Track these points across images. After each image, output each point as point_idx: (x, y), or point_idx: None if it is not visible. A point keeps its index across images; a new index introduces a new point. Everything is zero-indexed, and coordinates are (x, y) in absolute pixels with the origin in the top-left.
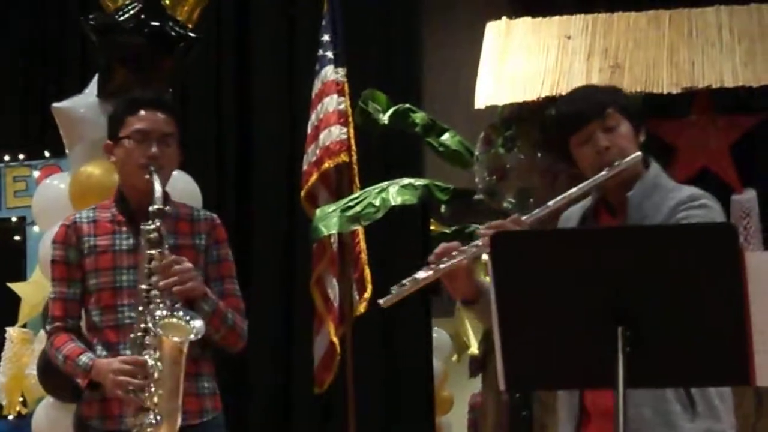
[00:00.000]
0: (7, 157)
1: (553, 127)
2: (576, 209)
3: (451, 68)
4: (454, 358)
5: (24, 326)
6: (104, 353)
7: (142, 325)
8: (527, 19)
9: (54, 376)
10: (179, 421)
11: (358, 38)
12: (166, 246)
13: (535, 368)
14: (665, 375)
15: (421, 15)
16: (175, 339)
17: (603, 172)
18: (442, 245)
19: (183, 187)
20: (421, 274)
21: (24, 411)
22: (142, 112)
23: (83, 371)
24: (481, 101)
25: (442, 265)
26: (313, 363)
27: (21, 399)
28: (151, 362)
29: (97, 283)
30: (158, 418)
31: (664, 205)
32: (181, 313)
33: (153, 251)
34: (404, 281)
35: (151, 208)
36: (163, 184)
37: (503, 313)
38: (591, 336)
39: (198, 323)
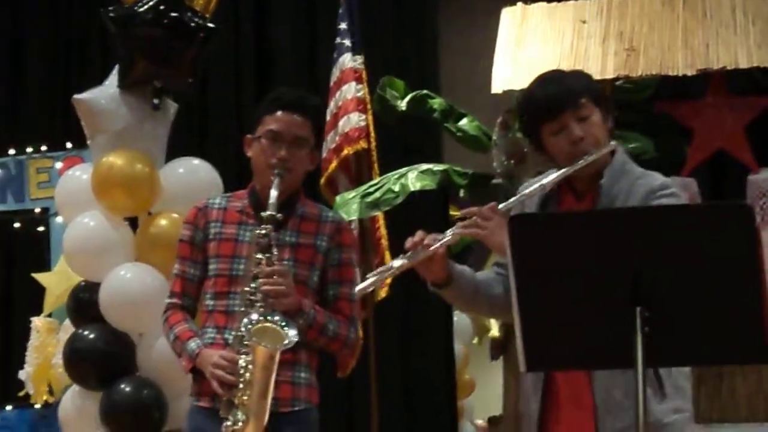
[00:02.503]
0: (29, 149)
1: (525, 112)
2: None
3: (468, 54)
4: (475, 341)
5: (49, 316)
6: (214, 335)
7: (244, 325)
8: (542, 5)
9: (80, 364)
10: (265, 421)
11: (375, 25)
12: (275, 252)
13: (555, 349)
14: (684, 354)
15: (438, 1)
16: (266, 347)
17: (580, 162)
18: (419, 233)
19: (204, 175)
20: (397, 263)
21: (51, 400)
22: (279, 113)
23: (189, 356)
24: (497, 86)
25: (419, 254)
26: None
27: (47, 388)
28: (243, 363)
29: (216, 268)
30: (245, 416)
31: (634, 191)
32: (277, 318)
33: (260, 256)
34: (380, 269)
35: (263, 214)
36: (291, 187)
37: (523, 295)
38: (610, 316)
39: (292, 332)
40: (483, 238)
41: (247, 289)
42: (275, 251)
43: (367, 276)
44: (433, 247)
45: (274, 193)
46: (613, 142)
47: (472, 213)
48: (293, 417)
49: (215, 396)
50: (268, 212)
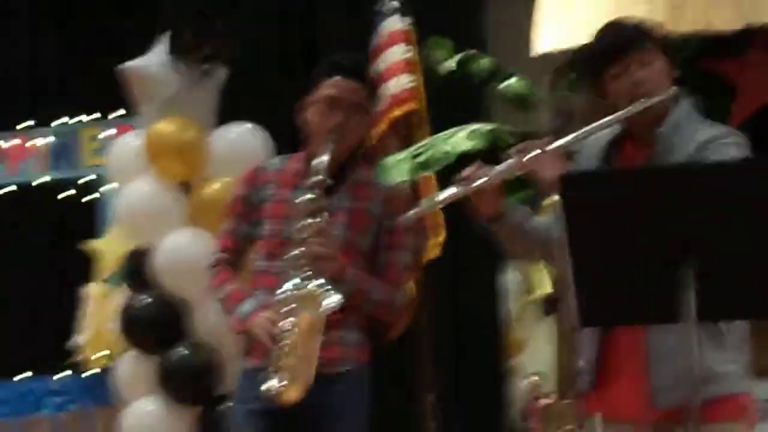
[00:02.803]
0: (83, 117)
1: (589, 56)
2: (600, 137)
3: (516, 12)
4: (528, 298)
5: (104, 282)
6: (263, 296)
7: (288, 289)
8: None
9: (136, 329)
10: (307, 385)
11: None
12: (325, 216)
13: (609, 306)
14: (733, 309)
15: None
16: (309, 314)
17: (636, 105)
18: (474, 164)
19: (255, 140)
20: (451, 190)
21: (108, 364)
22: (337, 78)
23: (241, 318)
24: (542, 46)
25: (472, 183)
26: None
27: (104, 353)
28: (287, 326)
29: (270, 229)
30: (286, 379)
31: (693, 140)
32: (321, 283)
33: (309, 220)
34: (432, 196)
35: (311, 180)
36: (346, 152)
37: (577, 252)
38: (661, 273)
39: (335, 297)
40: (535, 172)
41: (295, 252)
42: (325, 215)
43: (419, 203)
44: (486, 177)
45: (324, 159)
46: (673, 88)
47: (524, 147)
48: (343, 377)
49: (265, 353)
50: (317, 177)
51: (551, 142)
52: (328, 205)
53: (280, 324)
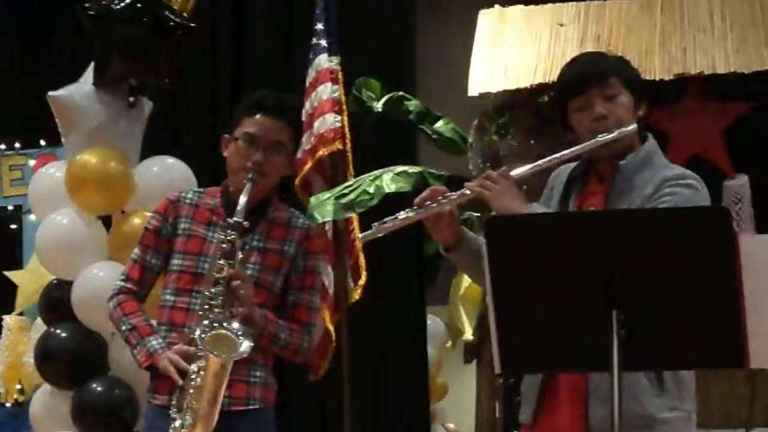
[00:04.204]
0: (2, 146)
1: (556, 89)
2: (565, 169)
3: (445, 56)
4: (449, 344)
5: (21, 314)
6: (169, 334)
7: (198, 329)
8: (520, 7)
9: (52, 363)
10: (212, 427)
11: (351, 26)
12: (239, 257)
13: (530, 352)
14: (660, 358)
15: (415, 2)
16: (217, 357)
17: (596, 138)
18: (430, 189)
19: (178, 174)
20: (403, 215)
21: (21, 398)
22: (258, 116)
23: (148, 354)
24: (474, 89)
25: (426, 209)
26: None
27: (18, 386)
28: (194, 369)
29: (181, 264)
30: (192, 421)
31: (652, 181)
32: (233, 327)
33: (223, 262)
34: (386, 219)
35: (229, 220)
36: (264, 191)
37: (499, 297)
38: (586, 319)
39: (246, 343)
40: (488, 200)
41: (207, 293)
42: (240, 256)
43: (372, 225)
44: (439, 203)
45: (243, 200)
46: (633, 125)
47: (485, 177)
48: (248, 416)
49: (171, 394)
50: (234, 219)
51: (507, 172)
52: (243, 244)
53: (191, 365)
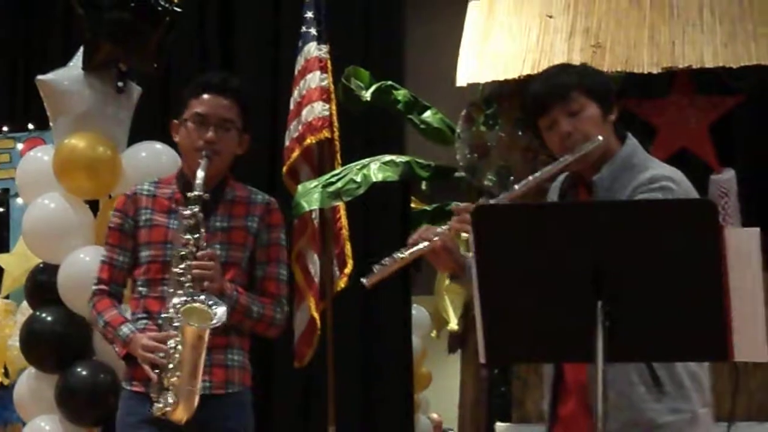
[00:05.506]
0: None
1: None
2: (556, 185)
3: (434, 46)
4: (433, 334)
5: (6, 297)
6: (146, 321)
7: (172, 306)
8: None
9: (37, 347)
10: (195, 403)
11: (341, 15)
12: (203, 232)
13: (515, 342)
14: (644, 350)
15: None
16: (194, 326)
17: (566, 157)
18: (425, 226)
19: (166, 159)
20: (399, 254)
21: (6, 382)
22: (205, 96)
23: (122, 342)
24: (462, 79)
25: (419, 246)
26: (293, 338)
27: (3, 370)
28: (172, 344)
29: (149, 255)
30: (175, 398)
31: (629, 186)
32: (204, 298)
33: (188, 236)
34: (384, 260)
35: (189, 194)
36: (220, 170)
37: (484, 287)
38: (571, 310)
39: (220, 310)
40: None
41: (175, 270)
42: (203, 230)
43: (374, 268)
44: (431, 242)
45: (200, 174)
46: (599, 138)
47: (464, 209)
48: (227, 399)
49: (147, 381)
50: (195, 192)
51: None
52: (207, 227)
53: (168, 341)
